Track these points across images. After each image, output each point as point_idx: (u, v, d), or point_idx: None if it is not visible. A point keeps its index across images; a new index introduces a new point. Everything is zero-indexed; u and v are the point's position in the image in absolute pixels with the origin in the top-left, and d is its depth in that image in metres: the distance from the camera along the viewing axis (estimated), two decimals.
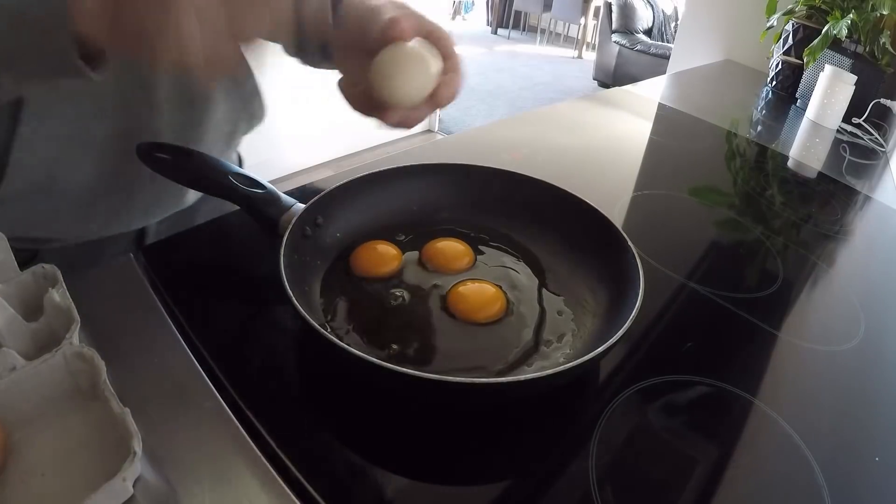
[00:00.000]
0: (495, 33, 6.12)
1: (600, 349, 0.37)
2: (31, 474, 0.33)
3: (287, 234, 0.46)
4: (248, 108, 0.63)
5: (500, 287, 0.49)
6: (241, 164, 0.79)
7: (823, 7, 1.16)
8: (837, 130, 1.08)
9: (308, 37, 0.50)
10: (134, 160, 0.50)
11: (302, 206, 0.50)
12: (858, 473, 0.41)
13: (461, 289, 0.49)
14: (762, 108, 1.21)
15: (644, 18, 4.52)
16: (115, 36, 0.30)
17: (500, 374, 0.42)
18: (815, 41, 1.08)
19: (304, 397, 0.42)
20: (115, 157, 0.53)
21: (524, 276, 0.51)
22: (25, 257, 0.58)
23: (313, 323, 0.38)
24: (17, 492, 0.32)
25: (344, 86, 0.43)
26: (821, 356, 0.52)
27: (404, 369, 0.36)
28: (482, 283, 0.50)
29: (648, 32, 4.56)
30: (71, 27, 0.32)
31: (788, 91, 1.24)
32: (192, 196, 0.64)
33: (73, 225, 0.55)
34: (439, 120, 3.29)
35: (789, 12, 1.22)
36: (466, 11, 6.54)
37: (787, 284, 0.61)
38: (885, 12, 1.03)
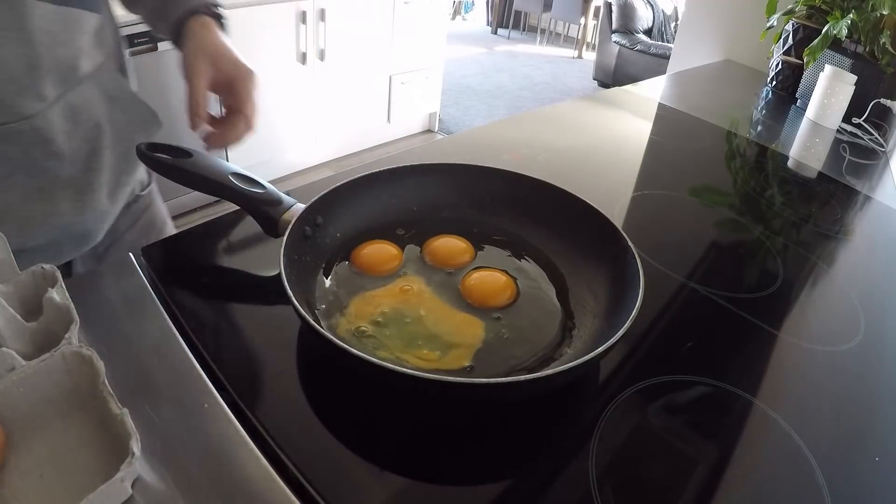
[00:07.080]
0: (495, 33, 6.11)
1: (600, 349, 0.37)
2: (29, 474, 0.33)
3: (287, 233, 0.46)
4: (136, 118, 0.61)
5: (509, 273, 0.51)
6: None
7: (823, 7, 1.16)
8: (837, 130, 1.08)
9: None
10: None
11: (302, 206, 0.50)
12: (858, 473, 0.41)
13: (476, 274, 0.50)
14: (762, 108, 1.21)
15: (644, 18, 4.51)
16: None
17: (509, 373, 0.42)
18: (815, 41, 1.08)
19: (304, 397, 0.42)
20: None
21: (523, 276, 0.51)
22: None
23: (313, 323, 0.38)
24: (15, 492, 0.32)
25: None
26: (821, 356, 0.52)
27: (404, 369, 0.36)
28: (494, 270, 0.51)
29: (648, 32, 4.55)
30: None
31: (788, 91, 1.24)
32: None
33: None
34: (439, 120, 3.28)
35: (789, 12, 1.22)
36: (466, 11, 6.53)
37: (787, 284, 0.61)
38: (885, 12, 1.03)
